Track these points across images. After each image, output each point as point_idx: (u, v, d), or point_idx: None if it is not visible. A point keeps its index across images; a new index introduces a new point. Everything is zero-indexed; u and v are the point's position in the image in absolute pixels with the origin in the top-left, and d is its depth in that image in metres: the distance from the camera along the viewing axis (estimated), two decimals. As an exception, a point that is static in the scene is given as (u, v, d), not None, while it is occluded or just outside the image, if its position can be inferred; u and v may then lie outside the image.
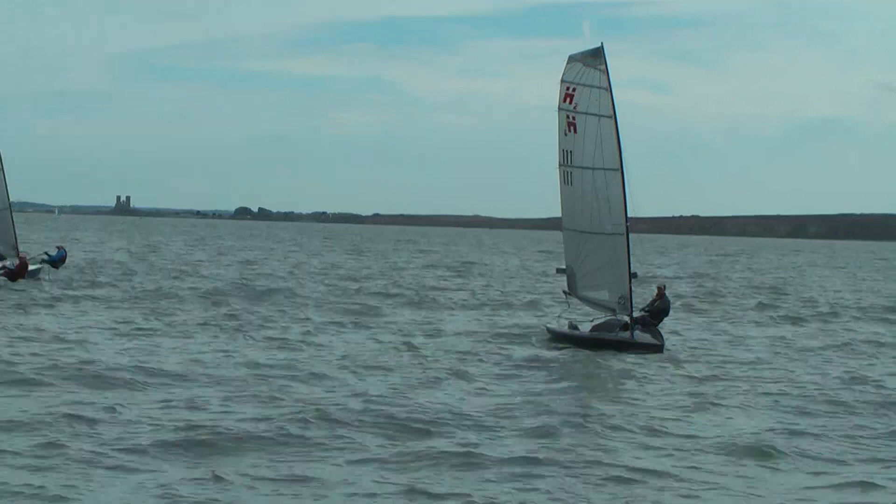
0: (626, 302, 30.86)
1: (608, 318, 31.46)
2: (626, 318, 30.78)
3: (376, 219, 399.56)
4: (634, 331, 30.68)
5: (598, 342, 30.67)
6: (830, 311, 48.72)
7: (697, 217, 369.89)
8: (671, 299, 34.01)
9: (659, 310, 32.23)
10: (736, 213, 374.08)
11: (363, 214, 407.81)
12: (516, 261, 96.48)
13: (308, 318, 36.95)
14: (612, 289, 31.21)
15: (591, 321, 32.09)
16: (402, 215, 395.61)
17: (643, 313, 31.84)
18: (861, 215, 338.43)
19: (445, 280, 62.92)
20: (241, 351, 28.35)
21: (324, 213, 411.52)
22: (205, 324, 34.12)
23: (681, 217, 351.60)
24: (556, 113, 31.59)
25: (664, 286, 33.27)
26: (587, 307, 32.79)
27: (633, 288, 30.82)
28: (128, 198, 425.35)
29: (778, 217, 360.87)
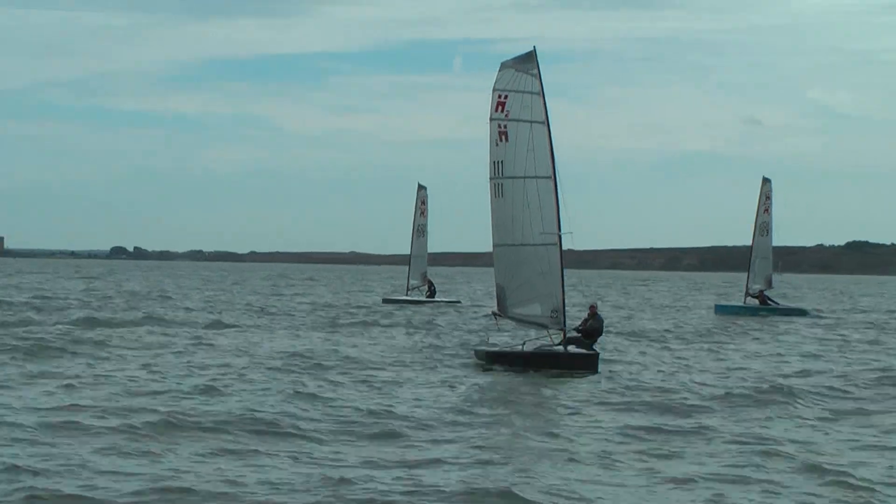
0: (560, 316, 29.66)
1: (540, 346, 30.22)
2: (558, 345, 29.71)
3: (252, 256, 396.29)
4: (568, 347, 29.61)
5: (529, 356, 29.67)
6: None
7: (573, 251, 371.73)
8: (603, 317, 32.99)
9: (592, 329, 31.05)
10: (611, 247, 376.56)
11: (239, 252, 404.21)
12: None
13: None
14: (544, 302, 29.96)
15: (522, 345, 30.86)
16: (278, 252, 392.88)
17: (576, 334, 30.72)
18: (732, 247, 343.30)
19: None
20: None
21: (200, 251, 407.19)
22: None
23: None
24: (488, 124, 30.29)
25: (596, 305, 32.17)
26: (519, 327, 31.56)
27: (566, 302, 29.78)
28: (1, 239, 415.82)
29: (653, 250, 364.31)
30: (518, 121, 29.90)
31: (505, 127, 30.00)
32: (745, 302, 64.08)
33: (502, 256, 30.71)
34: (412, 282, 69.13)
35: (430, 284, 69.53)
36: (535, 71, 29.72)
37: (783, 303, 67.91)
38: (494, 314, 31.63)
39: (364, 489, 15.30)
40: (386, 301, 70.68)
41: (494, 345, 32.27)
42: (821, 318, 61.88)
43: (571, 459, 17.71)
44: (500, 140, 30.05)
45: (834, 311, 71.38)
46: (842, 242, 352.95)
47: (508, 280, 30.56)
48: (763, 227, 63.98)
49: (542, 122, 29.79)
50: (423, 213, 69.91)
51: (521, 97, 29.89)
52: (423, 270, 69.37)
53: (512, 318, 31.01)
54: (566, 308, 29.79)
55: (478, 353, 31.43)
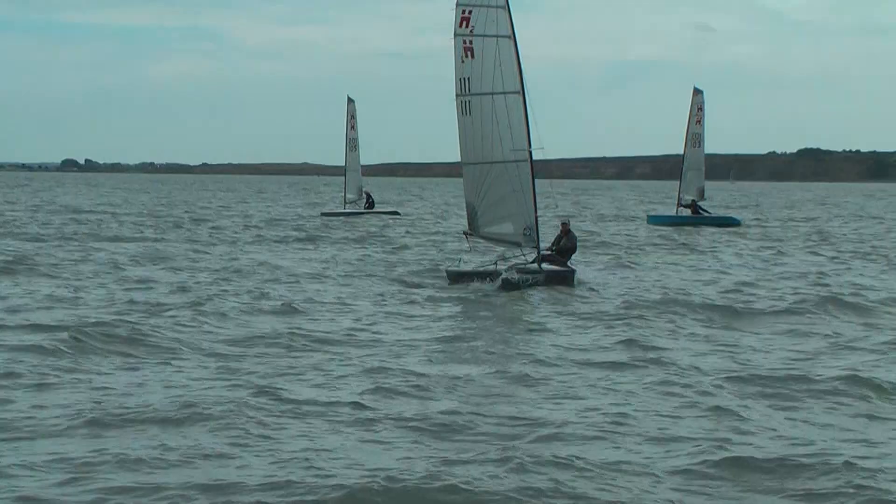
0: (532, 233, 29.23)
1: (514, 265, 29.68)
2: (532, 263, 29.26)
3: (204, 168, 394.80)
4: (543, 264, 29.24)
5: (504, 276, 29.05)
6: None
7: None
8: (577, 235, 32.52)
9: (566, 248, 30.54)
10: (563, 157, 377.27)
11: (191, 164, 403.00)
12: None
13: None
14: (515, 220, 29.50)
15: (494, 264, 30.31)
16: (230, 164, 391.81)
17: (549, 252, 30.22)
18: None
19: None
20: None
21: (151, 163, 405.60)
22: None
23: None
24: (452, 40, 29.43)
25: (568, 222, 31.69)
26: (490, 246, 31.04)
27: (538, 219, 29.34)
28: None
29: (605, 159, 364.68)
30: (483, 36, 29.22)
31: (470, 43, 29.31)
32: (677, 212, 64.22)
33: (471, 175, 30.11)
34: (349, 195, 69.65)
35: (368, 196, 70.22)
36: (500, -17, 29.01)
37: (715, 212, 68.26)
38: (465, 234, 31.13)
39: (292, 410, 15.04)
40: (325, 215, 71.22)
41: (468, 265, 31.56)
42: (750, 227, 62.12)
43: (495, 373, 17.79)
44: (466, 56, 29.36)
45: (780, 220, 71.40)
46: (794, 150, 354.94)
47: (479, 199, 30.01)
48: (694, 138, 63.68)
49: (509, 37, 29.15)
50: (352, 126, 69.91)
51: (485, 11, 29.20)
52: (359, 184, 69.73)
53: (483, 238, 30.56)
54: (539, 225, 29.43)
55: (449, 274, 30.95)
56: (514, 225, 29.55)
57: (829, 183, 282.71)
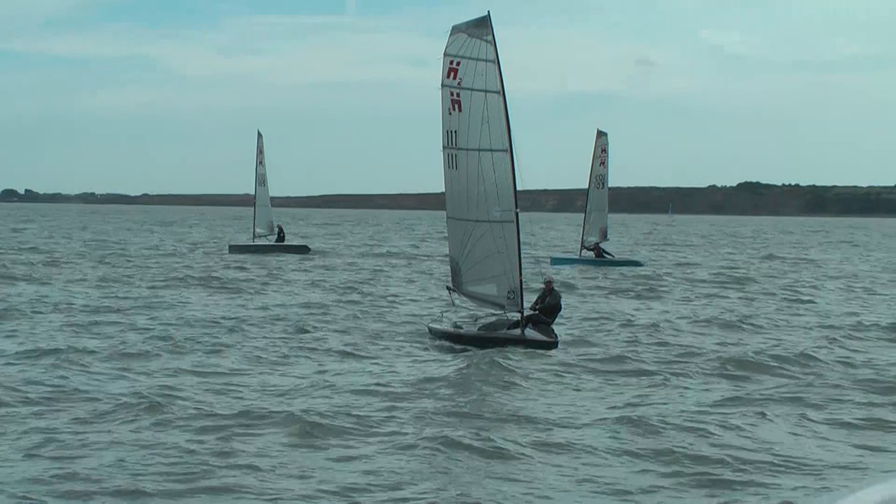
0: (516, 297, 28.10)
1: (497, 318, 28.67)
2: (516, 317, 28.19)
3: (145, 199, 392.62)
4: (526, 329, 28.12)
5: (485, 340, 27.96)
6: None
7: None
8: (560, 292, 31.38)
9: (550, 306, 29.46)
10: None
11: (132, 195, 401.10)
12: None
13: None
14: (500, 282, 28.36)
15: (476, 321, 29.25)
16: (171, 195, 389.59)
17: (533, 311, 29.15)
18: (626, 188, 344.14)
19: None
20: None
21: (92, 193, 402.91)
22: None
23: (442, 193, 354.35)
24: (439, 91, 28.43)
25: (552, 280, 30.62)
26: (473, 305, 29.91)
27: (523, 281, 28.23)
28: None
29: (546, 192, 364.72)
30: (472, 90, 28.16)
31: (458, 96, 28.26)
32: (580, 255, 63.74)
33: (456, 230, 29.08)
34: (258, 230, 69.89)
35: (280, 230, 70.70)
36: (490, 37, 27.90)
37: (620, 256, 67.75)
38: (448, 289, 30.10)
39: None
40: (233, 248, 71.98)
41: (458, 325, 30.30)
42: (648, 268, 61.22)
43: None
44: (454, 109, 28.30)
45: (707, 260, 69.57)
46: (734, 183, 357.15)
47: (463, 255, 28.97)
48: (599, 179, 63.40)
49: (497, 92, 28.08)
50: (261, 161, 70.10)
51: (474, 64, 28.13)
52: (269, 218, 69.94)
53: (466, 296, 29.46)
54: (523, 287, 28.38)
55: (432, 331, 29.84)
56: (498, 287, 28.44)
57: (769, 217, 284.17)
